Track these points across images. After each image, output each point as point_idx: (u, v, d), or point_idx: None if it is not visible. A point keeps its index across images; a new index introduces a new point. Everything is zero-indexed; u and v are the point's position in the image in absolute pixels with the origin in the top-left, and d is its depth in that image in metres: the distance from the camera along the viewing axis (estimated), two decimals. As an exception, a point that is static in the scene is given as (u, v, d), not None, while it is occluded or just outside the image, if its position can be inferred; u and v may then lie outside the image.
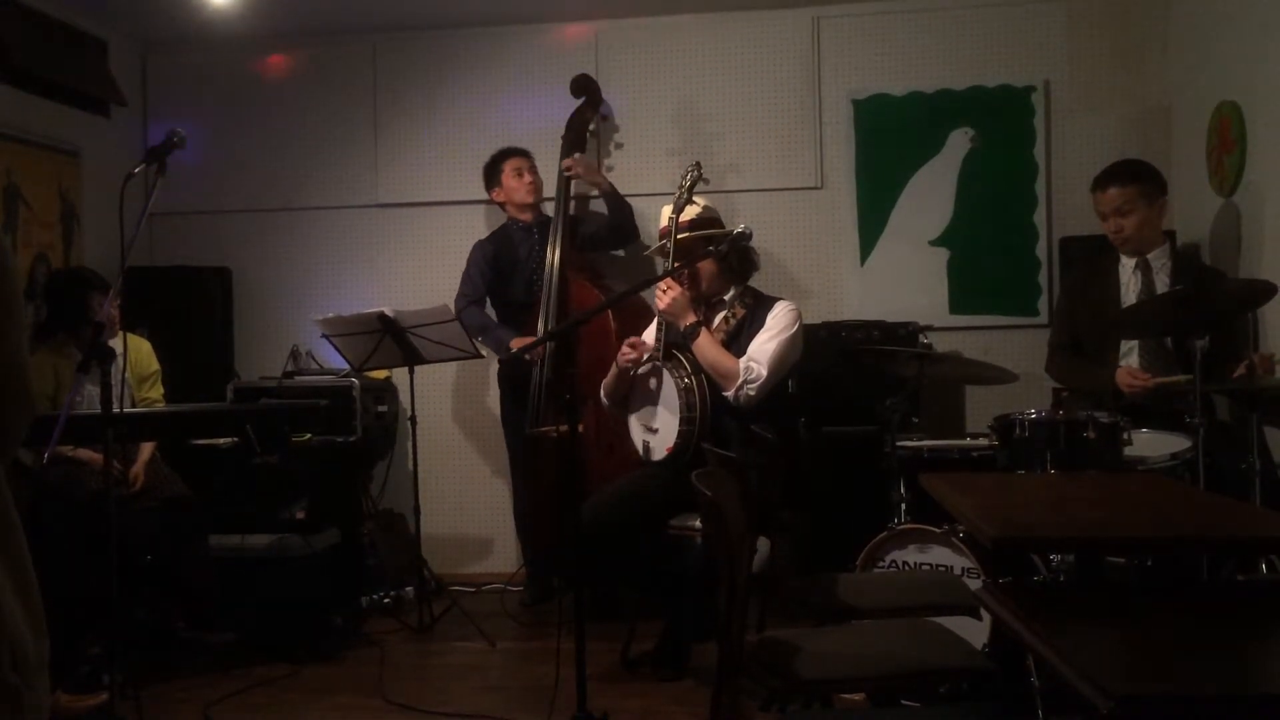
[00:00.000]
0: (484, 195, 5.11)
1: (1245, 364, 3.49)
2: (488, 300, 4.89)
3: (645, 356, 3.82)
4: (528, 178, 4.86)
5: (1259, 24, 3.92)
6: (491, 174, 4.92)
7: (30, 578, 1.79)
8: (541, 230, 4.83)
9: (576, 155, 4.85)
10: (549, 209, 4.90)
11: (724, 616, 2.20)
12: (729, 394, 3.65)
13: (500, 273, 4.84)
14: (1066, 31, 4.94)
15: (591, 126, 5.04)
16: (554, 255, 4.68)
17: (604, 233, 4.89)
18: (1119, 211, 3.84)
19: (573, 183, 4.87)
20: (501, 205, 4.95)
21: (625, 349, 3.82)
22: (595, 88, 5.03)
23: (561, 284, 4.64)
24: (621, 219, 4.84)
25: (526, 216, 4.88)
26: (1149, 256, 3.88)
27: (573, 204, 4.89)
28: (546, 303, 4.62)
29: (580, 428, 4.36)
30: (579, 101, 5.00)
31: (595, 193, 4.97)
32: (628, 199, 4.94)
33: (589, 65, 5.15)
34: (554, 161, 4.93)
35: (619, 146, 5.22)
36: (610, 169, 5.17)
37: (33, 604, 1.80)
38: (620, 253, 5.06)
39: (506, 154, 4.91)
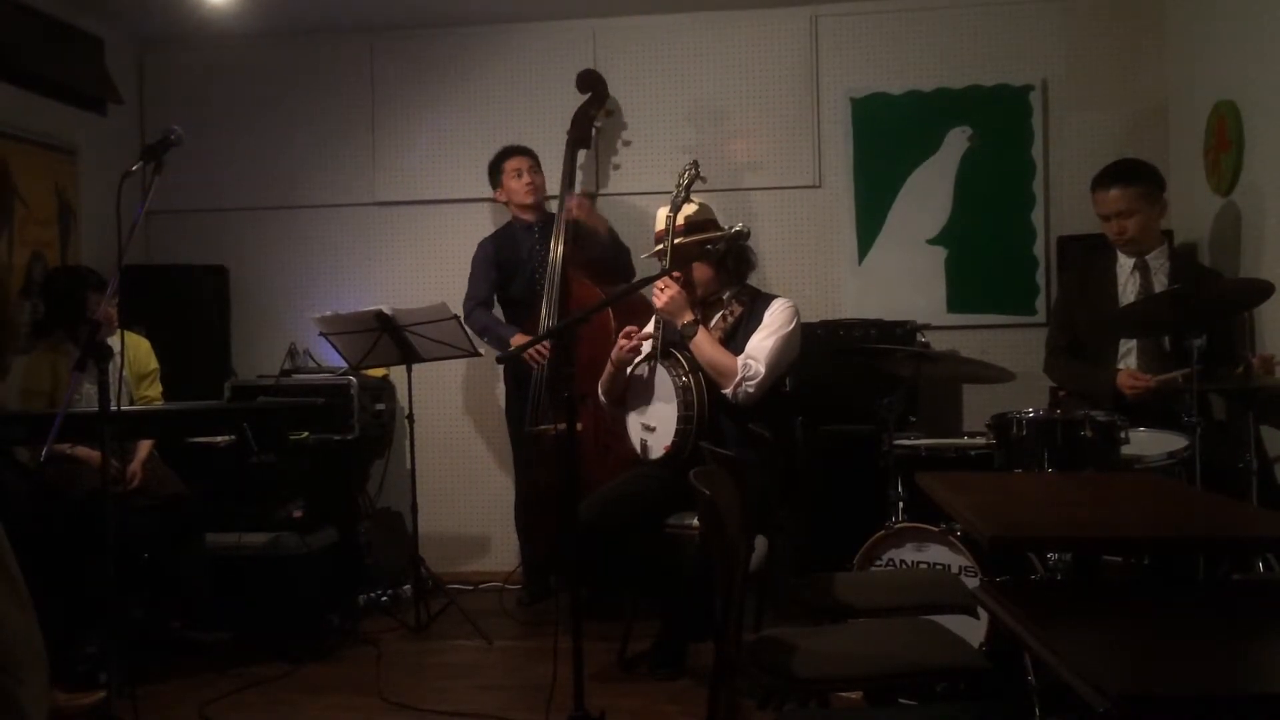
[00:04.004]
0: (481, 193, 5.11)
1: (1243, 365, 3.49)
2: (494, 299, 4.85)
3: (642, 352, 3.82)
4: (527, 178, 4.80)
5: (1256, 23, 3.92)
6: (494, 174, 4.89)
7: (16, 572, 1.79)
8: (544, 229, 4.79)
9: (578, 197, 4.75)
10: (553, 205, 4.86)
11: (721, 615, 2.20)
12: (727, 391, 3.65)
13: (503, 270, 4.82)
14: (1064, 31, 4.94)
15: (597, 123, 5.00)
16: (557, 250, 4.62)
17: (600, 265, 4.74)
18: (1122, 213, 3.82)
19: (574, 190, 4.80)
20: (505, 204, 4.92)
21: (621, 340, 3.81)
22: (602, 84, 4.99)
23: (564, 282, 4.60)
24: (619, 263, 4.73)
25: (529, 216, 4.84)
26: (1148, 257, 3.88)
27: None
28: (549, 301, 4.60)
29: (579, 426, 4.36)
30: (585, 97, 4.97)
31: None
32: (623, 197, 4.94)
33: (586, 64, 5.14)
34: (557, 160, 4.89)
35: (626, 144, 5.20)
36: (617, 167, 5.16)
37: (21, 600, 1.80)
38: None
39: (507, 153, 4.87)
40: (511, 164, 4.83)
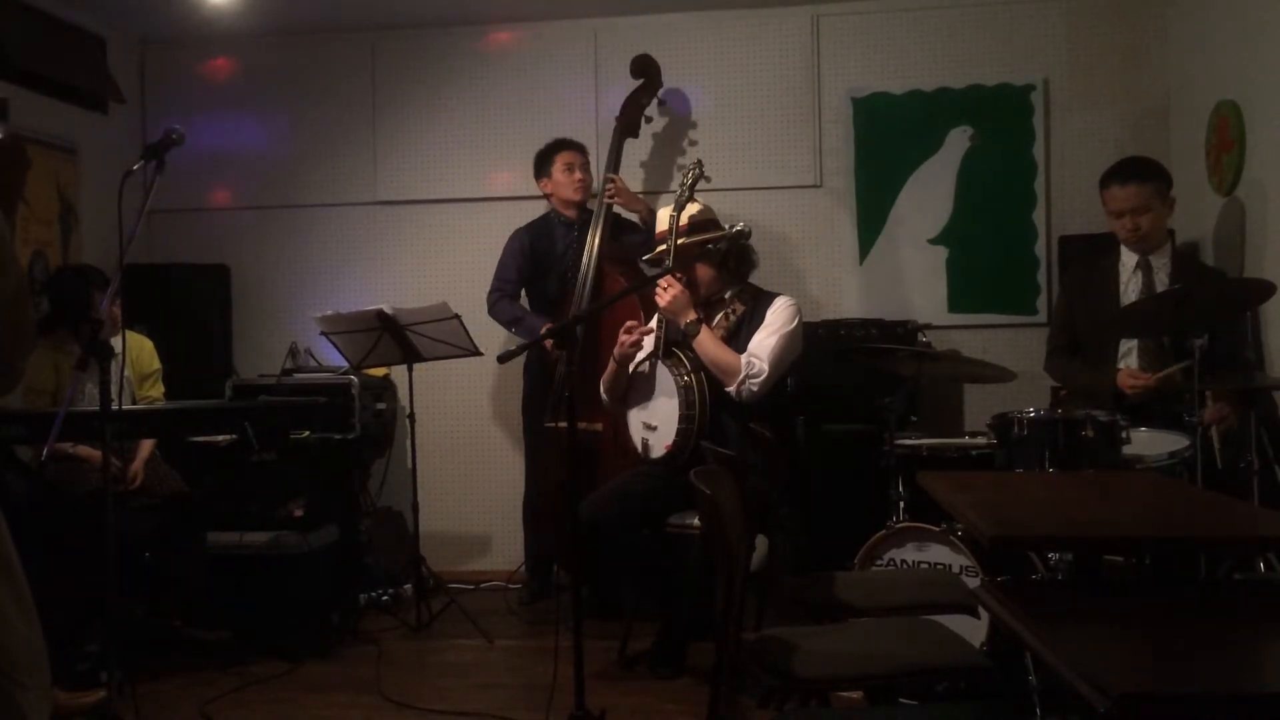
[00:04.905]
0: (483, 193, 5.11)
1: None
2: (522, 292, 4.79)
3: (644, 349, 3.82)
4: (578, 175, 4.70)
5: (1257, 23, 3.92)
6: (542, 164, 4.76)
7: (21, 578, 1.78)
8: (583, 227, 4.70)
9: (618, 179, 4.70)
10: (593, 202, 4.79)
11: (722, 615, 2.20)
12: (731, 390, 3.65)
13: (536, 264, 4.75)
14: (1065, 30, 4.94)
15: (648, 112, 4.89)
16: (594, 240, 4.54)
17: (644, 251, 4.75)
18: (1136, 209, 3.79)
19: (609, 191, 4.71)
20: (547, 196, 4.81)
21: (622, 335, 3.81)
22: (656, 70, 4.86)
23: (597, 279, 4.54)
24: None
25: (570, 213, 4.76)
26: (1150, 257, 3.86)
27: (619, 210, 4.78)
28: (580, 292, 4.54)
29: (598, 426, 4.36)
30: (637, 83, 4.86)
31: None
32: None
33: (588, 63, 5.15)
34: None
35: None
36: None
37: (25, 604, 1.79)
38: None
39: (560, 146, 4.74)
40: (563, 158, 4.72)
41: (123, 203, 2.91)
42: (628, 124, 4.83)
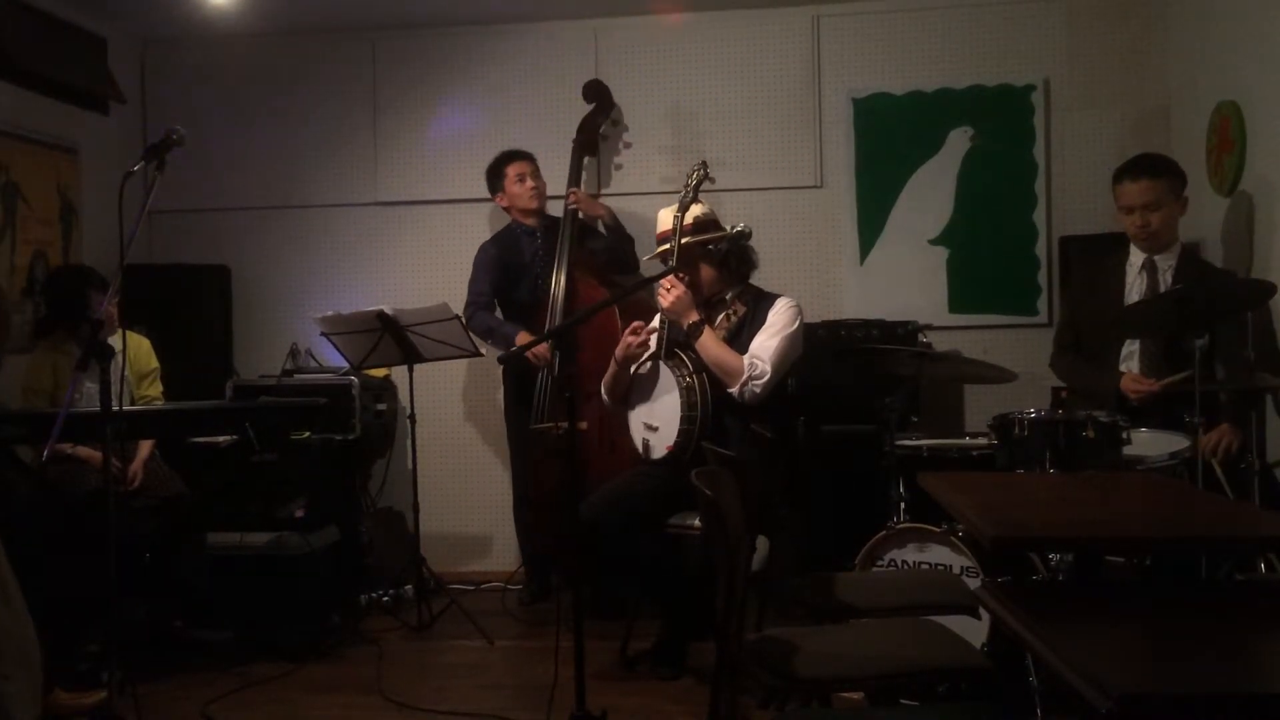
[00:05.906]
0: (484, 193, 5.10)
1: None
2: (496, 303, 4.85)
3: (647, 353, 3.82)
4: (530, 183, 4.80)
5: (1258, 23, 3.92)
6: (494, 178, 4.87)
7: (6, 571, 1.78)
8: (545, 233, 4.79)
9: (576, 190, 4.79)
10: (556, 207, 4.85)
11: (722, 615, 2.20)
12: (734, 391, 3.65)
13: (506, 274, 4.81)
14: (1066, 30, 4.94)
15: (602, 131, 5.04)
16: (560, 277, 4.61)
17: (606, 256, 4.82)
18: (1148, 205, 3.77)
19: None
20: (506, 209, 4.91)
21: (628, 336, 3.81)
22: (607, 93, 5.03)
23: (569, 286, 4.60)
24: (622, 253, 4.79)
25: (531, 220, 4.84)
26: (1157, 257, 3.85)
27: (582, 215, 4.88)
28: (552, 313, 4.59)
29: (583, 425, 4.37)
30: (590, 107, 4.99)
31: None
32: (626, 195, 4.95)
33: (588, 64, 5.15)
34: (556, 160, 4.91)
35: (627, 145, 5.21)
36: (619, 167, 5.18)
37: (8, 596, 1.79)
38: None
39: (508, 158, 4.86)
40: (514, 169, 4.82)
41: (123, 203, 2.91)
42: (585, 142, 4.96)
